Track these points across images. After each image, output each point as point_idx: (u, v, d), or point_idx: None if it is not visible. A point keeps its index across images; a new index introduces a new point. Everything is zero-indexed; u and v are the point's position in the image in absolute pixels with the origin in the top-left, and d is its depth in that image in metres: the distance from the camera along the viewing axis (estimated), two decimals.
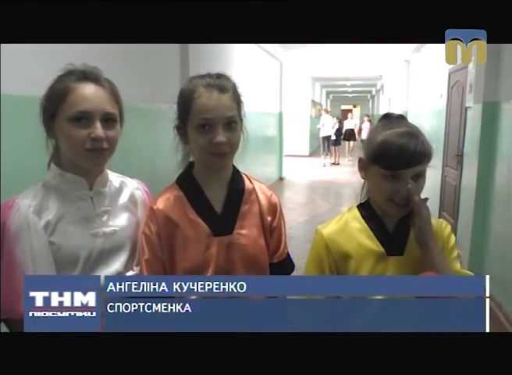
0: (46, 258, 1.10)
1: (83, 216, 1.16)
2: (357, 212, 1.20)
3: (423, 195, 1.13)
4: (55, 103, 1.10)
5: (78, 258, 1.13)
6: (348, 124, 14.96)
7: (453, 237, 1.22)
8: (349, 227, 1.18)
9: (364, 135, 13.17)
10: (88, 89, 1.11)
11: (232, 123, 1.15)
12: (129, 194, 1.27)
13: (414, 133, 1.09)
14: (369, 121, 14.55)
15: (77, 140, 1.09)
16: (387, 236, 1.16)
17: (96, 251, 1.16)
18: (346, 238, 1.17)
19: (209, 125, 1.13)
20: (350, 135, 14.67)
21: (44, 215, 1.12)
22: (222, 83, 1.16)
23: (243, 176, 1.29)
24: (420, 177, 1.10)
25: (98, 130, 1.10)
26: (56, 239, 1.12)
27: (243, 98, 1.23)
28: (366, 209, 1.19)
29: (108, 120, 1.12)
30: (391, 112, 1.24)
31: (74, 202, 1.16)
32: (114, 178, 1.27)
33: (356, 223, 1.19)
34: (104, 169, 1.22)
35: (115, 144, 1.15)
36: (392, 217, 1.17)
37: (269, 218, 1.27)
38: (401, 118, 1.16)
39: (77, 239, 1.14)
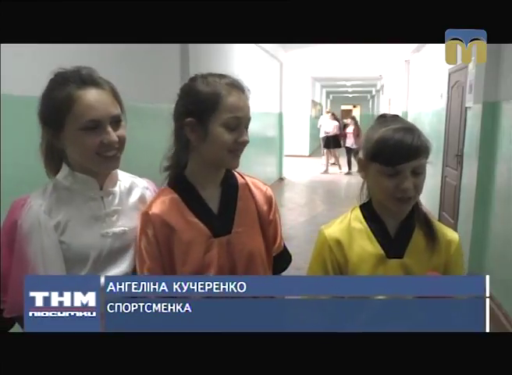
0: (56, 257, 1.11)
1: (93, 215, 1.17)
2: (359, 213, 1.20)
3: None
4: (61, 114, 1.09)
5: (87, 257, 1.14)
6: (327, 126, 11.64)
7: (460, 258, 1.20)
8: (351, 228, 1.18)
9: (349, 142, 10.80)
10: (92, 95, 1.10)
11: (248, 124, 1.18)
12: (139, 194, 1.27)
13: (410, 129, 1.11)
14: (355, 124, 11.25)
15: (90, 147, 1.10)
16: (387, 238, 1.16)
17: (105, 250, 1.16)
18: (348, 239, 1.17)
19: (237, 124, 1.14)
20: (330, 142, 11.42)
21: (54, 214, 1.13)
22: (242, 85, 1.18)
23: (234, 173, 1.29)
24: (419, 173, 1.10)
25: (110, 134, 1.10)
26: (66, 238, 1.13)
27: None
28: (367, 210, 1.19)
29: (116, 122, 1.13)
30: (386, 112, 1.25)
31: (85, 202, 1.17)
32: (124, 178, 1.26)
33: (357, 223, 1.18)
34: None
35: (124, 142, 1.16)
36: (394, 218, 1.16)
37: (267, 212, 1.27)
38: (397, 117, 1.19)
39: (87, 239, 1.14)
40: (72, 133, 1.09)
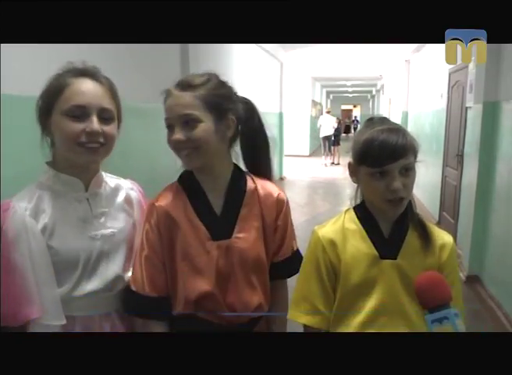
0: (45, 262, 1.07)
1: (80, 217, 1.14)
2: (353, 214, 1.20)
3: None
4: (51, 99, 1.09)
5: (77, 261, 1.12)
6: None
7: (454, 262, 1.18)
8: (344, 229, 1.18)
9: None
10: (84, 84, 1.09)
11: (190, 121, 1.13)
12: (124, 195, 1.26)
13: (395, 129, 1.10)
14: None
15: (72, 133, 1.07)
16: (381, 238, 1.15)
17: (95, 253, 1.14)
18: (341, 240, 1.16)
19: (170, 125, 1.16)
20: None
21: (40, 218, 1.09)
22: (186, 80, 1.16)
23: (246, 176, 1.26)
24: (408, 172, 1.09)
25: (94, 123, 1.08)
26: (54, 243, 1.09)
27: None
28: (361, 211, 1.19)
29: (105, 116, 1.11)
30: (383, 114, 1.25)
31: (70, 204, 1.14)
32: (108, 179, 1.25)
33: (351, 224, 1.18)
34: (99, 170, 1.21)
35: (111, 141, 1.13)
36: (387, 219, 1.16)
37: (273, 217, 1.25)
38: (384, 119, 1.18)
39: (75, 242, 1.12)
40: (58, 118, 1.08)
